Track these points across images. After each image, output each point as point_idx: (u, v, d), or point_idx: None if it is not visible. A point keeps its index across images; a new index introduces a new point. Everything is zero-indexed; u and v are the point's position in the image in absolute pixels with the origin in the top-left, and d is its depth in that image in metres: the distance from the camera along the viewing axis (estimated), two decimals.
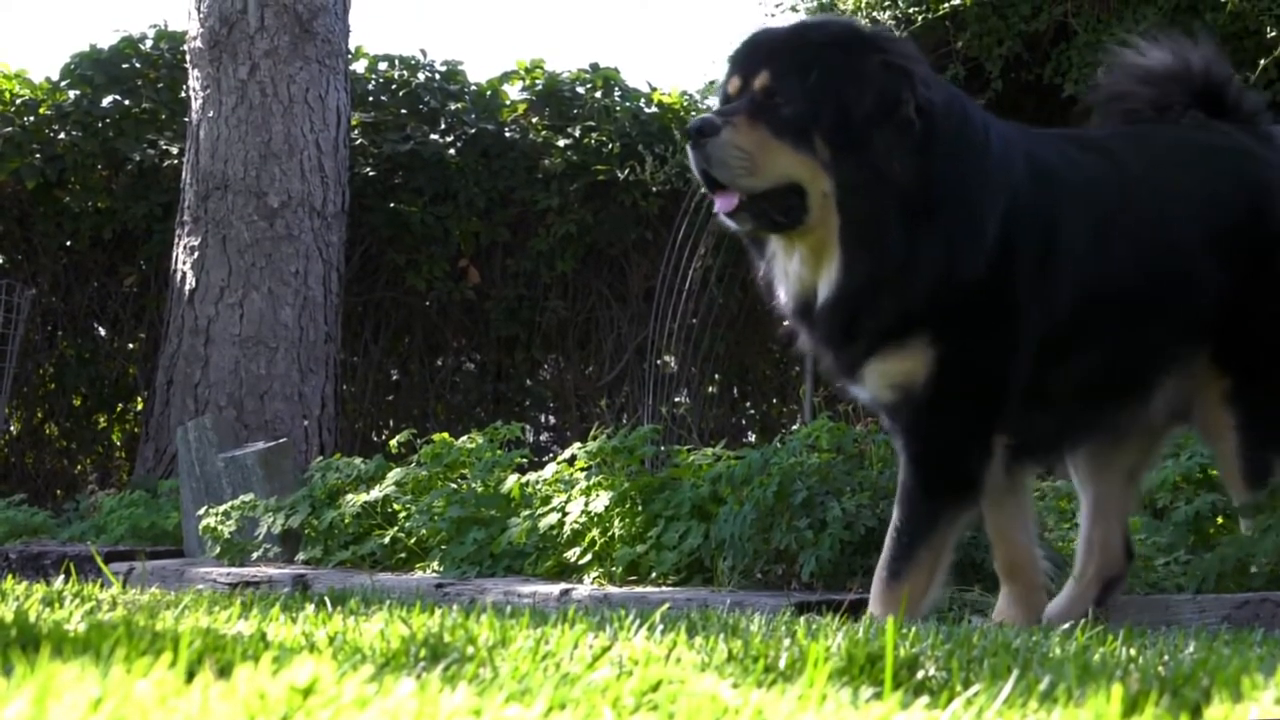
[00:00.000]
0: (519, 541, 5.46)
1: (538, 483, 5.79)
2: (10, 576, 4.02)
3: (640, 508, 5.20)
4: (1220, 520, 4.89)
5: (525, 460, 6.22)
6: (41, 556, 7.27)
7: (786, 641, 2.15)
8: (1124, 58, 4.27)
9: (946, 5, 8.71)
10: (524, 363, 10.90)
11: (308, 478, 6.62)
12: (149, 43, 10.90)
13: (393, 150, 10.57)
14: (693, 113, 10.30)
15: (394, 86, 11.00)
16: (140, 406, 10.74)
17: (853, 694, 1.71)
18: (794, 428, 5.98)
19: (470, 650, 1.99)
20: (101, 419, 10.99)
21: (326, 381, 9.61)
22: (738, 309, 10.24)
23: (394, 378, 11.07)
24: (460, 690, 1.63)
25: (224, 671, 1.68)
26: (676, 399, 10.05)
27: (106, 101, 10.71)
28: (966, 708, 1.69)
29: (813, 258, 3.63)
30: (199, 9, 9.67)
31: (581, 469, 5.76)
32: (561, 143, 10.59)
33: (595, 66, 11.01)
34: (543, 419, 11.20)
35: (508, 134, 10.77)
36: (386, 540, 5.97)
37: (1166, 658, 2.17)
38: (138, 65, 10.82)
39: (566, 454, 5.97)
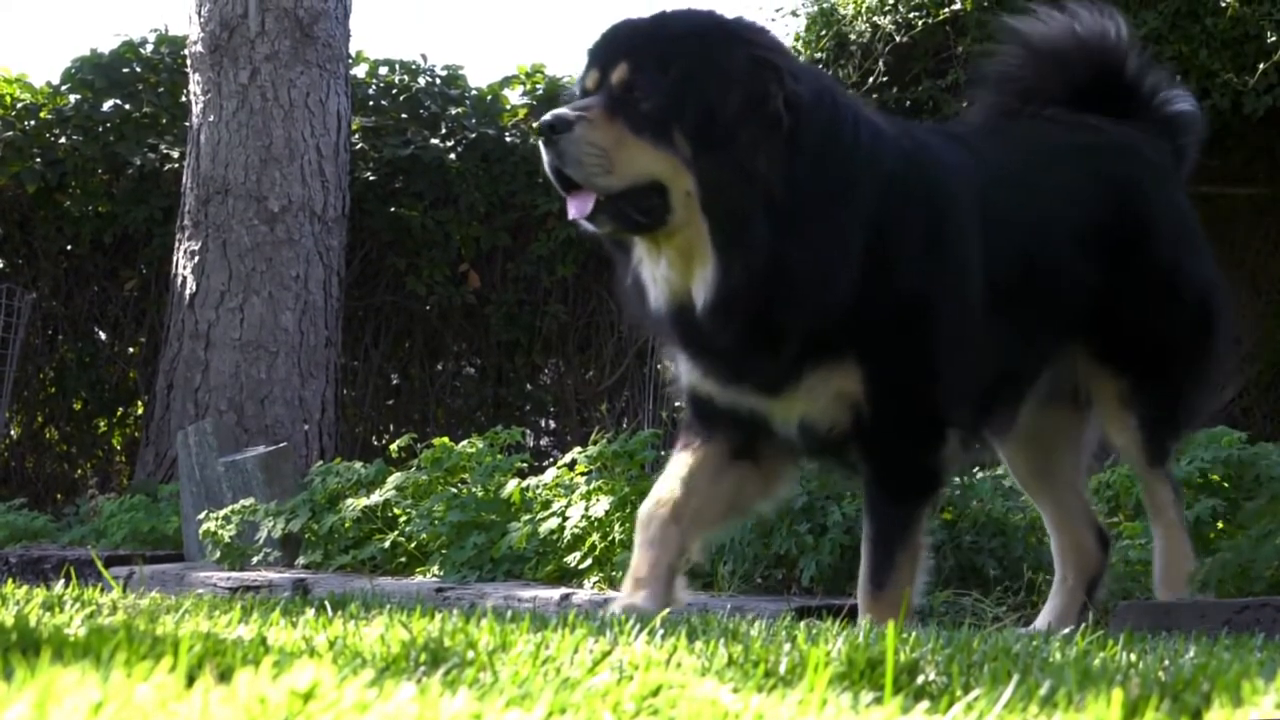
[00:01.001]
0: (519, 546, 5.46)
1: (538, 487, 5.79)
2: (10, 581, 4.02)
3: None
4: (1220, 525, 4.90)
5: (525, 465, 6.22)
6: (42, 561, 7.27)
7: (787, 646, 2.15)
8: (1018, 31, 4.22)
9: (947, 10, 8.71)
10: (524, 367, 10.90)
11: (308, 482, 6.62)
12: (149, 47, 10.91)
13: (393, 155, 10.57)
14: None
15: (395, 91, 11.00)
16: (140, 411, 10.74)
17: (853, 699, 1.71)
18: None
19: (470, 655, 1.99)
20: (102, 423, 10.98)
21: (327, 386, 9.61)
22: None
23: (394, 382, 11.07)
24: (461, 695, 1.63)
25: (224, 676, 1.68)
26: (677, 403, 10.04)
27: (107, 106, 10.71)
28: (967, 712, 1.69)
29: (681, 261, 3.42)
30: (200, 13, 9.68)
31: (582, 473, 5.77)
32: None
33: None
34: (543, 423, 11.20)
35: (508, 139, 10.77)
36: (387, 545, 5.97)
37: (1167, 663, 2.17)
38: (138, 69, 10.83)
39: (567, 458, 5.98)
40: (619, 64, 3.41)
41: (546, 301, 10.65)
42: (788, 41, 9.78)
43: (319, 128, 9.65)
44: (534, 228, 10.60)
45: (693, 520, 3.64)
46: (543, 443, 11.08)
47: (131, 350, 10.94)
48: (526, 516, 5.58)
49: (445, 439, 6.37)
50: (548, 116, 3.37)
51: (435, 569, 5.69)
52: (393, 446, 6.98)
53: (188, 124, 9.91)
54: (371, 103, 10.93)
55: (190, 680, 1.64)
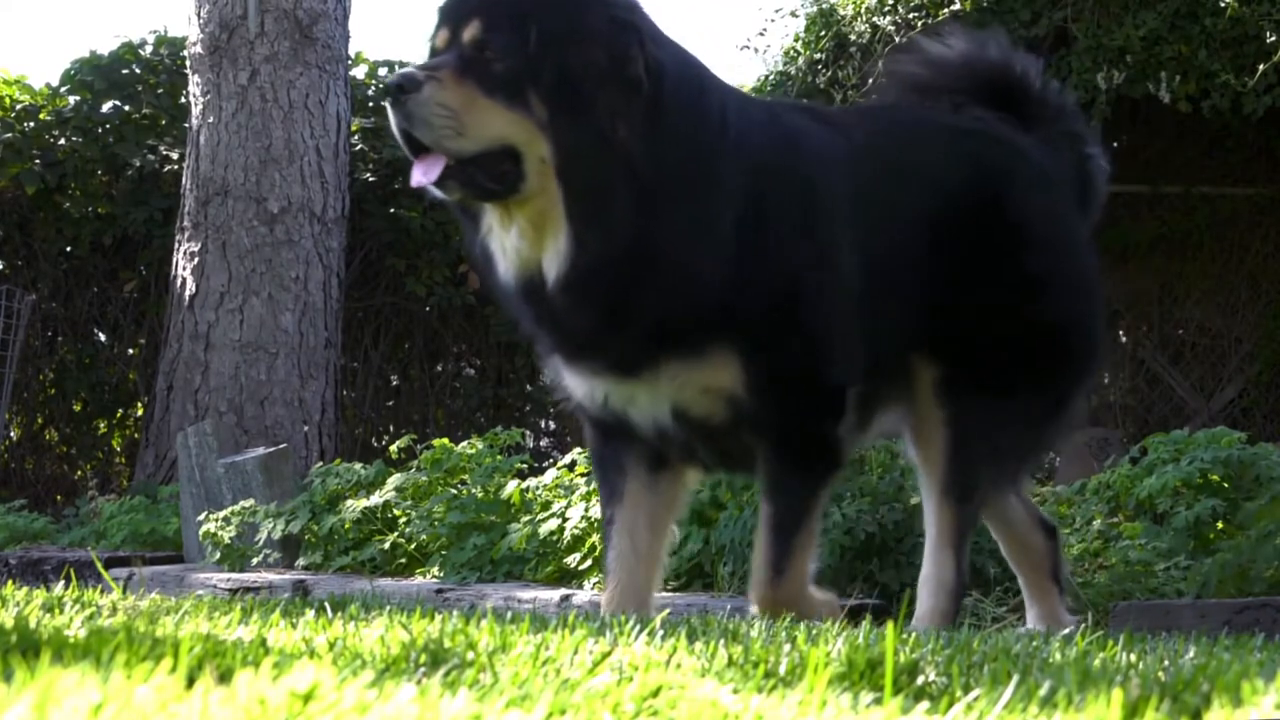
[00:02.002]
0: (519, 547, 5.46)
1: (538, 488, 5.79)
2: (10, 582, 4.02)
3: None
4: (1220, 525, 4.90)
5: (525, 466, 6.22)
6: (42, 562, 7.27)
7: (787, 647, 2.15)
8: (924, 47, 4.07)
9: (947, 10, 8.72)
10: (524, 368, 10.90)
11: (308, 483, 6.63)
12: (149, 48, 10.92)
13: (393, 156, 10.57)
14: None
15: None
16: (140, 412, 10.75)
17: (853, 699, 1.71)
18: None
19: (470, 655, 1.99)
20: (102, 424, 10.99)
21: (327, 387, 9.61)
22: None
23: (394, 383, 11.07)
24: (460, 696, 1.63)
25: (224, 677, 1.68)
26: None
27: (107, 107, 10.72)
28: (967, 713, 1.69)
29: (533, 231, 3.23)
30: (199, 14, 9.68)
31: (582, 474, 5.77)
32: None
33: None
34: (543, 424, 11.21)
35: None
36: (386, 546, 5.97)
37: (1167, 663, 2.17)
38: (138, 71, 10.84)
39: (567, 459, 5.98)
40: (471, 21, 3.23)
41: None
42: (787, 42, 9.79)
43: (318, 129, 9.65)
44: None
45: (648, 583, 3.55)
46: (543, 444, 11.09)
47: (131, 351, 10.94)
48: (526, 517, 5.58)
49: (445, 440, 6.37)
50: (394, 76, 3.21)
51: (435, 570, 5.69)
52: (392, 448, 6.98)
53: (187, 125, 9.91)
54: (371, 104, 10.94)
55: (190, 681, 1.64)
